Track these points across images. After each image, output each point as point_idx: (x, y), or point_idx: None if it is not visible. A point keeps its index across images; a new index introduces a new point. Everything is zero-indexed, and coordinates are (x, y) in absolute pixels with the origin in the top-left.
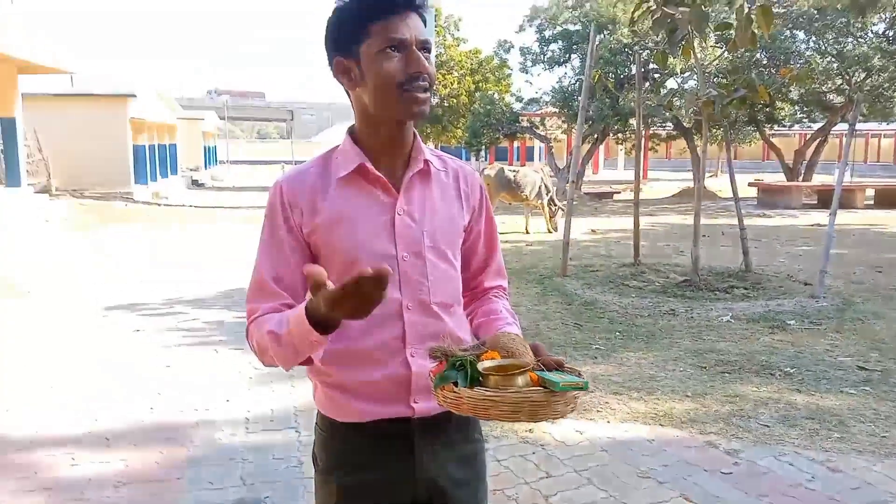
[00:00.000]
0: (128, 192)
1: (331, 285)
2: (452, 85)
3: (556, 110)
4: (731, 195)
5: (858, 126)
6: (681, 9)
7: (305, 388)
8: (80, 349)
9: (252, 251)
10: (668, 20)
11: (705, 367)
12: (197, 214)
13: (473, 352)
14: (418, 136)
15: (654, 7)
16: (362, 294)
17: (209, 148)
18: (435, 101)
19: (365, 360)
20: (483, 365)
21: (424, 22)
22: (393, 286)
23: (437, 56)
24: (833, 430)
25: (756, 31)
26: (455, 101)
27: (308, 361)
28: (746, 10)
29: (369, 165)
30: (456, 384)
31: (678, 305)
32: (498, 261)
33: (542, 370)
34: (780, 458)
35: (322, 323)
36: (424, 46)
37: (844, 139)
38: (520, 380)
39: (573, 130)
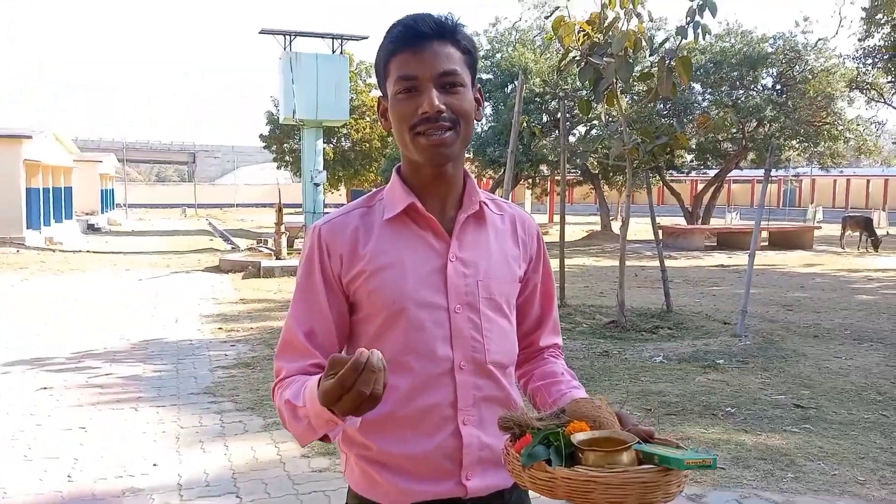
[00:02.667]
0: (20, 237)
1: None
2: (365, 130)
3: (469, 156)
4: (635, 238)
5: (745, 173)
6: (605, 59)
7: (241, 447)
8: None
9: (163, 299)
10: (593, 70)
11: (651, 410)
12: (95, 261)
13: (552, 422)
14: (471, 177)
15: (580, 57)
16: (357, 391)
17: (106, 191)
18: (347, 145)
19: (410, 428)
20: (577, 438)
21: (462, 48)
22: (444, 342)
23: (350, 101)
24: (786, 469)
25: (676, 80)
26: (367, 145)
27: (326, 438)
28: (668, 62)
29: (419, 205)
30: (548, 462)
31: (610, 347)
32: (554, 317)
33: (639, 443)
34: (743, 502)
35: None
36: (448, 80)
37: (733, 185)
38: (625, 456)
39: (486, 175)
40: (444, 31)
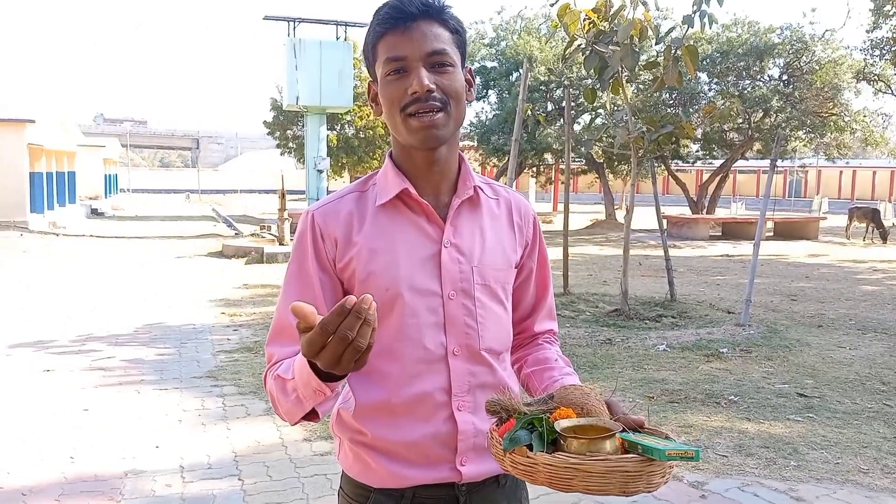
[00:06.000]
0: (23, 221)
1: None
2: (369, 116)
3: (474, 144)
4: (640, 227)
5: (751, 163)
6: (611, 47)
7: (244, 429)
8: None
9: (166, 284)
10: (599, 58)
11: (653, 398)
12: (99, 245)
13: (540, 407)
14: (466, 161)
15: (585, 45)
16: (340, 336)
17: (110, 176)
18: (351, 132)
19: (405, 414)
20: (560, 425)
21: (450, 28)
22: (437, 329)
23: (353, 88)
24: (789, 458)
25: (682, 70)
26: (371, 132)
27: (314, 417)
28: (674, 51)
29: (412, 191)
30: (530, 447)
31: (613, 335)
32: (549, 302)
33: (625, 431)
34: (745, 490)
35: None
36: (437, 60)
37: (739, 175)
38: (608, 444)
39: (490, 163)
40: (431, 10)
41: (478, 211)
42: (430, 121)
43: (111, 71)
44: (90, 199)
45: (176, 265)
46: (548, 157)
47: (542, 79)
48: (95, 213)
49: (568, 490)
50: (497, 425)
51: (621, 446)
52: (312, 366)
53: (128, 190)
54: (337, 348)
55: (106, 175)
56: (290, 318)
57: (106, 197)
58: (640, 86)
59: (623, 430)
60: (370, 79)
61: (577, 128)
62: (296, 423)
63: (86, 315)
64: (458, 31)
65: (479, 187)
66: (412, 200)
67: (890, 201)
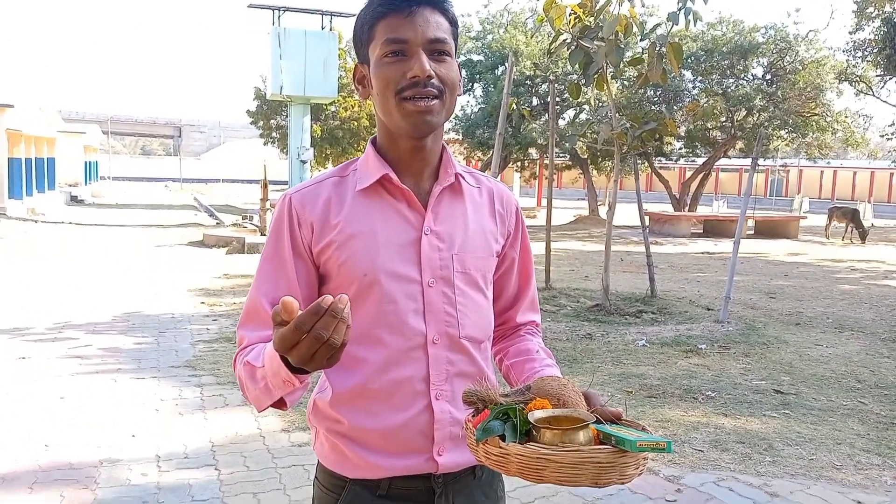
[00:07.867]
0: (1, 207)
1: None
2: (353, 108)
3: (458, 137)
4: (622, 223)
5: (733, 161)
6: (596, 43)
7: (221, 419)
8: None
9: (145, 272)
10: (584, 54)
11: (631, 392)
12: (78, 232)
13: (517, 398)
14: (447, 149)
15: (570, 40)
16: (315, 335)
17: (90, 163)
18: (335, 123)
19: (382, 401)
20: (534, 416)
21: (450, 18)
22: (416, 316)
23: (338, 79)
24: (764, 453)
25: (666, 66)
26: (356, 124)
27: (281, 405)
28: (658, 48)
29: (393, 176)
30: (503, 438)
31: (594, 330)
32: (532, 293)
33: (601, 423)
34: (720, 484)
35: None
36: (438, 48)
37: (721, 173)
38: (581, 435)
39: (475, 157)
40: None
41: (459, 198)
42: (426, 106)
43: (97, 59)
44: (70, 185)
45: (156, 254)
46: (532, 151)
47: (527, 73)
48: (75, 200)
49: (539, 481)
50: (473, 416)
51: (596, 438)
52: (283, 357)
53: (108, 177)
54: (311, 346)
55: (86, 162)
56: (263, 301)
57: (86, 184)
58: (625, 82)
59: (598, 422)
60: (357, 61)
61: (561, 123)
62: (263, 410)
63: (63, 302)
64: (455, 23)
65: (461, 175)
66: (393, 186)
67: (869, 202)
